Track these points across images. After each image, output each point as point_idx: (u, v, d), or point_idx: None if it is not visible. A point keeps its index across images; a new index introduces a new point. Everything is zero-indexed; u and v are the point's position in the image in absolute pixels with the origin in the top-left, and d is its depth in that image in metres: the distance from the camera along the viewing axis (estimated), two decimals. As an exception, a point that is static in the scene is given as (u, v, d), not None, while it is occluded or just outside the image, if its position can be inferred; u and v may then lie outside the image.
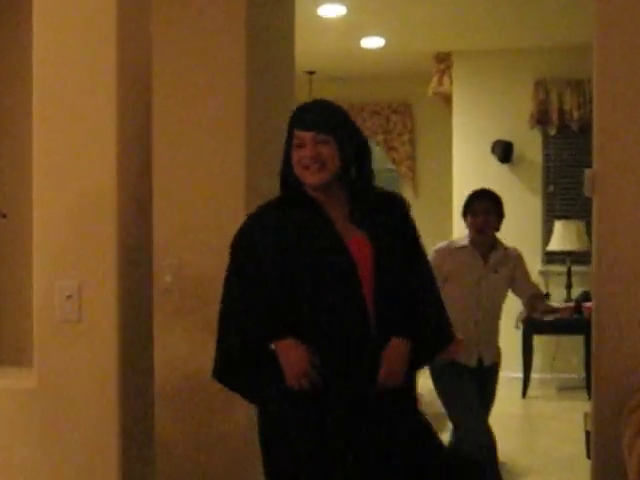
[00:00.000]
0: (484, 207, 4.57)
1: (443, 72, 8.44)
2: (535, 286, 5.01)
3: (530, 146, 8.41)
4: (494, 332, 4.70)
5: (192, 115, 3.90)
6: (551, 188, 8.44)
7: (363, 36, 7.78)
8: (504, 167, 8.37)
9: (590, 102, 8.02)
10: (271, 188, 2.90)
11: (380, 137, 9.84)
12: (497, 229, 4.65)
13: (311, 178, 2.78)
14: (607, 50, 3.47)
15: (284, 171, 2.84)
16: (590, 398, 7.16)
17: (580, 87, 8.22)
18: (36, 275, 2.74)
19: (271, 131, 3.97)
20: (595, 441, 3.58)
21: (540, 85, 8.32)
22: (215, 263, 2.94)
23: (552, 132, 8.34)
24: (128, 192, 2.78)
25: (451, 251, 4.62)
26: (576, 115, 8.23)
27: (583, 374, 7.78)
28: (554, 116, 8.28)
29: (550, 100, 8.29)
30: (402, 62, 8.81)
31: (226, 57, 3.83)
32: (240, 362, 2.76)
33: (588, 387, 7.64)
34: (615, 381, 3.49)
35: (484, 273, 4.57)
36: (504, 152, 8.22)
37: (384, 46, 8.09)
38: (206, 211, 3.87)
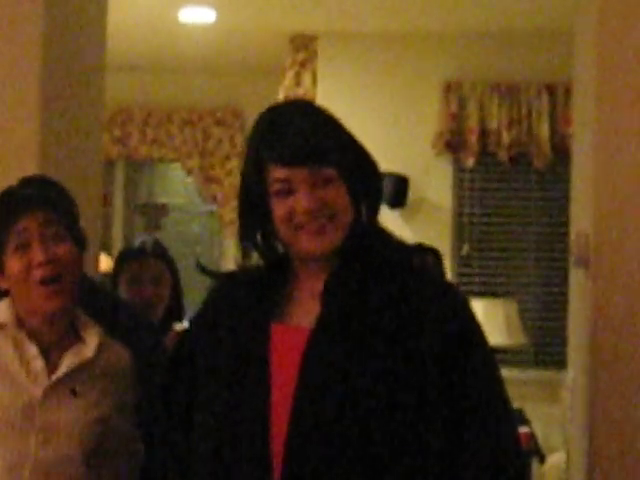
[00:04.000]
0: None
1: (302, 65, 6.78)
2: None
3: (435, 183, 6.69)
4: None
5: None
6: (466, 248, 6.68)
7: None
8: (394, 214, 6.60)
9: (527, 117, 6.49)
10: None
11: (195, 162, 7.67)
12: None
13: (314, 243, 1.93)
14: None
15: (252, 234, 1.99)
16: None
17: (514, 95, 6.44)
18: None
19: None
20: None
21: (452, 90, 6.56)
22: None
23: (469, 162, 6.52)
24: None
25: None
26: (506, 138, 6.44)
27: None
28: (472, 137, 6.51)
29: (467, 113, 6.55)
30: (238, 46, 7.15)
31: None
32: None
33: None
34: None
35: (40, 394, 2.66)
36: (395, 192, 6.50)
37: (215, 22, 6.39)
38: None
